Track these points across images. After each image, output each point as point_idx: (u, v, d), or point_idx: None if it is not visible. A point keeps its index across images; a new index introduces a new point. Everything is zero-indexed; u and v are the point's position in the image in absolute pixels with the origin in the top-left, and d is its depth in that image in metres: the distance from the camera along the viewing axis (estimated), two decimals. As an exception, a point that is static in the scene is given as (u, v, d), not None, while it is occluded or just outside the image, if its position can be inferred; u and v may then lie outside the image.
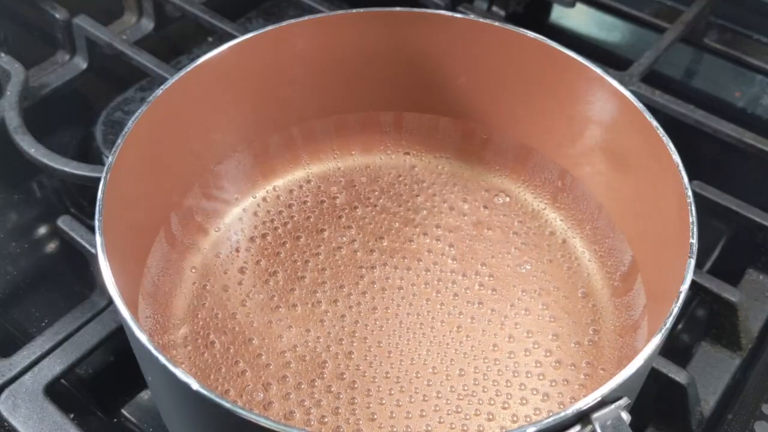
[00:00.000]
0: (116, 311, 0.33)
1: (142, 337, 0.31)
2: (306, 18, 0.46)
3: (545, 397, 0.40)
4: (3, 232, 0.55)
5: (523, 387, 0.41)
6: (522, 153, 0.49)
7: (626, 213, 0.45)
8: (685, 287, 0.33)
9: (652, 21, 0.68)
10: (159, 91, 0.41)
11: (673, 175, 0.38)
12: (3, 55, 0.57)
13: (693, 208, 0.36)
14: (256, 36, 0.44)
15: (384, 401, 0.40)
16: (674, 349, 0.46)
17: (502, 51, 0.46)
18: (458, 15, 0.46)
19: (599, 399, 0.30)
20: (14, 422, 0.40)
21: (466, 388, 0.40)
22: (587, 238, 0.47)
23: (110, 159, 0.37)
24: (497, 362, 0.41)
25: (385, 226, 0.48)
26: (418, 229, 0.47)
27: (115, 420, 0.44)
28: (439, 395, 0.40)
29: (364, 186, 0.50)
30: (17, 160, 0.51)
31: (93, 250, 0.43)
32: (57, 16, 0.61)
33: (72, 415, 0.41)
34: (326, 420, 0.39)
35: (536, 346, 0.42)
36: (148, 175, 0.41)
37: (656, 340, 0.32)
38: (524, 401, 0.40)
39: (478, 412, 0.40)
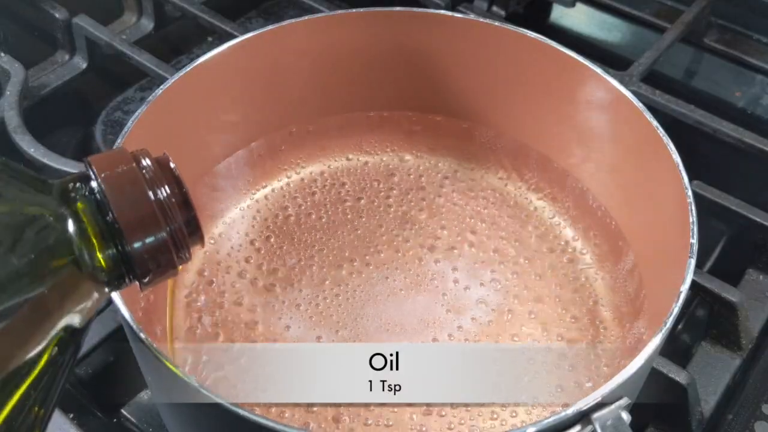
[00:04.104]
0: (116, 311, 0.33)
1: (142, 337, 0.31)
2: (306, 18, 0.46)
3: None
4: (3, 232, 0.54)
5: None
6: (522, 153, 0.49)
7: (626, 213, 0.45)
8: (685, 287, 0.33)
9: (652, 21, 0.68)
10: (159, 91, 0.41)
11: (673, 175, 0.38)
12: (3, 55, 0.57)
13: (693, 208, 0.36)
14: (256, 36, 0.44)
15: (384, 402, 0.40)
16: (674, 349, 0.46)
17: (502, 51, 0.46)
18: (458, 15, 0.46)
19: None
20: (14, 422, 0.40)
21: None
22: (587, 238, 0.47)
23: (110, 159, 0.37)
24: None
25: (386, 226, 0.47)
26: (417, 229, 0.47)
27: (115, 420, 0.44)
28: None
29: (364, 186, 0.50)
30: (17, 160, 0.51)
31: (93, 250, 0.43)
32: (57, 15, 0.61)
33: (72, 415, 0.41)
34: (327, 421, 0.39)
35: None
36: (148, 175, 0.41)
37: (656, 340, 0.32)
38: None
39: (480, 413, 0.40)
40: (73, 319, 0.23)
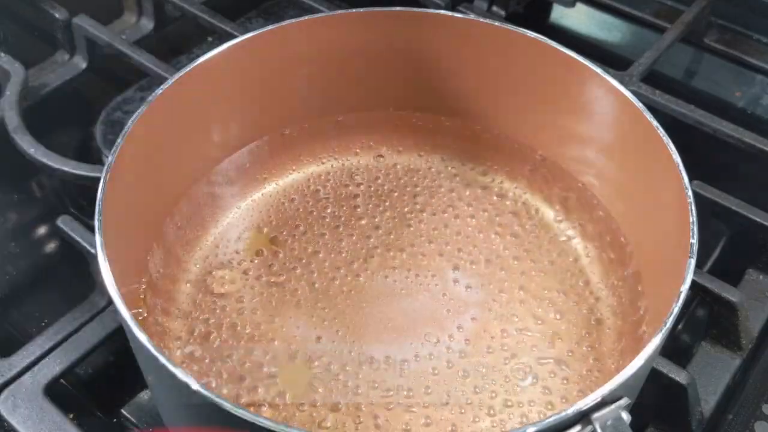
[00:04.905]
0: (116, 311, 0.33)
1: (142, 337, 0.31)
2: (306, 18, 0.46)
3: (545, 397, 0.40)
4: (3, 232, 0.55)
5: (523, 387, 0.41)
6: (522, 153, 0.49)
7: (626, 213, 0.45)
8: (685, 287, 0.33)
9: (652, 21, 0.68)
10: (159, 91, 0.41)
11: (673, 175, 0.38)
12: (3, 55, 0.57)
13: (693, 208, 0.36)
14: (256, 36, 0.44)
15: (383, 402, 0.40)
16: (674, 349, 0.46)
17: (502, 51, 0.46)
18: (458, 15, 0.46)
19: (599, 399, 0.30)
20: (14, 422, 0.40)
21: (466, 388, 0.40)
22: (587, 238, 0.47)
23: (110, 159, 0.37)
24: (497, 362, 0.41)
25: (386, 226, 0.47)
26: (417, 229, 0.47)
27: (115, 420, 0.44)
28: (439, 396, 0.40)
29: (364, 186, 0.50)
30: (17, 160, 0.51)
31: (93, 250, 0.43)
32: (57, 15, 0.61)
33: (72, 415, 0.41)
34: (327, 421, 0.39)
35: (535, 346, 0.42)
36: (147, 175, 0.41)
37: (656, 340, 0.32)
38: (524, 401, 0.40)
39: (480, 412, 0.40)
40: None
